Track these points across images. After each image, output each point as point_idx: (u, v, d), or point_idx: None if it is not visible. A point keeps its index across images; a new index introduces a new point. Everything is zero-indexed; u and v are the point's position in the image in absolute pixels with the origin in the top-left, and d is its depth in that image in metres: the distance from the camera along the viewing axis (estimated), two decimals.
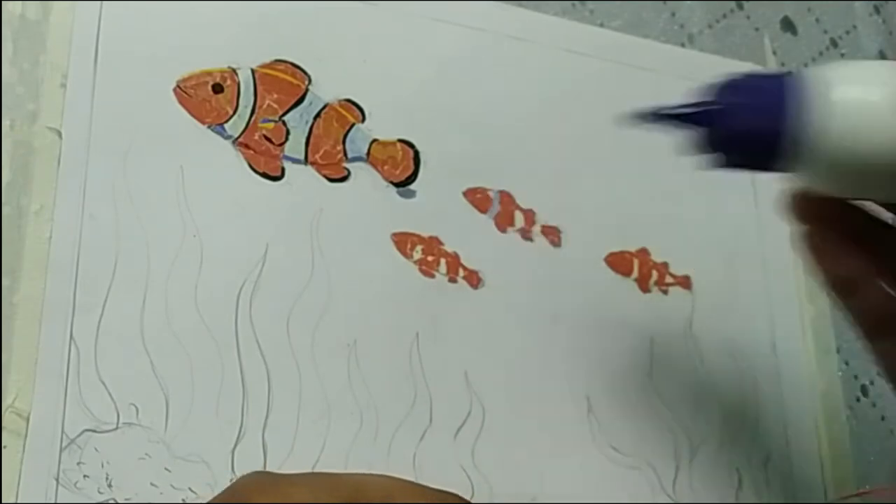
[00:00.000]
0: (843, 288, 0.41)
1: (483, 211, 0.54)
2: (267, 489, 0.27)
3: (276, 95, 0.51)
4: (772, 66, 0.64)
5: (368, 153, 0.52)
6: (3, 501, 0.41)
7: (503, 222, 0.54)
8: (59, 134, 0.47)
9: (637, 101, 0.60)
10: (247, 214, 0.49)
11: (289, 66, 0.52)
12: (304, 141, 0.51)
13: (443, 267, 0.52)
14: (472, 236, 0.53)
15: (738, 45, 0.64)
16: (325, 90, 0.52)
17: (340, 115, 0.52)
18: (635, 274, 0.55)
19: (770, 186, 0.62)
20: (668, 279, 0.56)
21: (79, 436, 0.43)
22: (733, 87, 0.39)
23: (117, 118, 0.48)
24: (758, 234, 0.59)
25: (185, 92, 0.50)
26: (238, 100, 0.50)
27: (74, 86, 0.48)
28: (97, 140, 0.48)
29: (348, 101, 0.53)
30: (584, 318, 0.53)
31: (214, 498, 0.27)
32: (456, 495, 0.33)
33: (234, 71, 0.51)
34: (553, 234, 0.54)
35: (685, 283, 0.56)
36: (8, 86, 0.47)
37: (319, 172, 0.51)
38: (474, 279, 0.52)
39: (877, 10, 0.69)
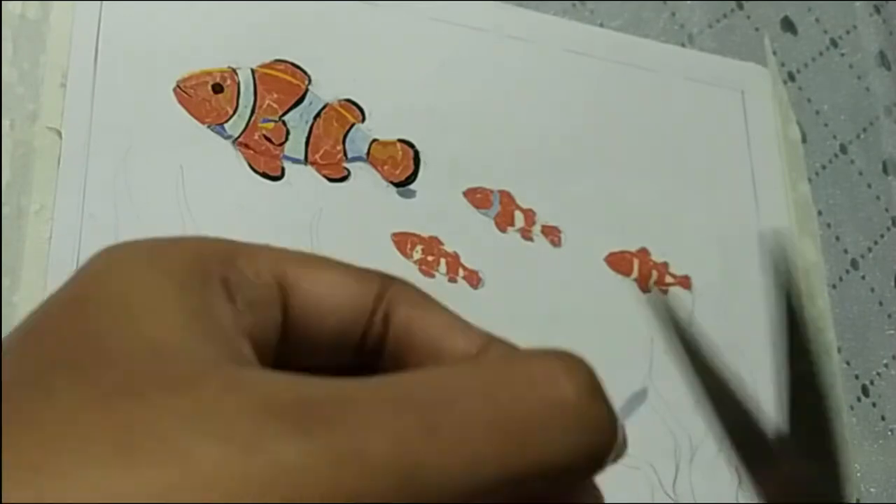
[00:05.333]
0: None
1: (483, 211, 0.54)
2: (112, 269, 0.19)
3: (276, 95, 0.51)
4: (772, 66, 0.64)
5: (368, 153, 0.52)
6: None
7: (503, 222, 0.54)
8: (59, 134, 0.47)
9: (637, 101, 0.61)
10: (247, 214, 0.49)
11: (289, 66, 0.52)
12: (304, 141, 0.51)
13: (443, 267, 0.52)
14: (472, 236, 0.53)
15: (738, 45, 0.64)
16: (325, 90, 0.52)
17: (340, 115, 0.52)
18: (635, 274, 0.55)
19: (770, 186, 0.63)
20: (668, 279, 0.56)
21: None
22: None
23: (117, 118, 0.48)
24: (758, 234, 0.59)
25: (185, 92, 0.50)
26: (238, 100, 0.50)
27: (74, 86, 0.48)
28: (97, 140, 0.47)
29: (348, 101, 0.53)
30: (584, 318, 0.53)
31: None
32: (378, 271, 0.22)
33: (234, 71, 0.51)
34: (553, 234, 0.54)
35: (685, 283, 0.56)
36: (8, 86, 0.47)
37: (319, 172, 0.51)
38: (474, 279, 0.52)
39: (877, 10, 0.69)
